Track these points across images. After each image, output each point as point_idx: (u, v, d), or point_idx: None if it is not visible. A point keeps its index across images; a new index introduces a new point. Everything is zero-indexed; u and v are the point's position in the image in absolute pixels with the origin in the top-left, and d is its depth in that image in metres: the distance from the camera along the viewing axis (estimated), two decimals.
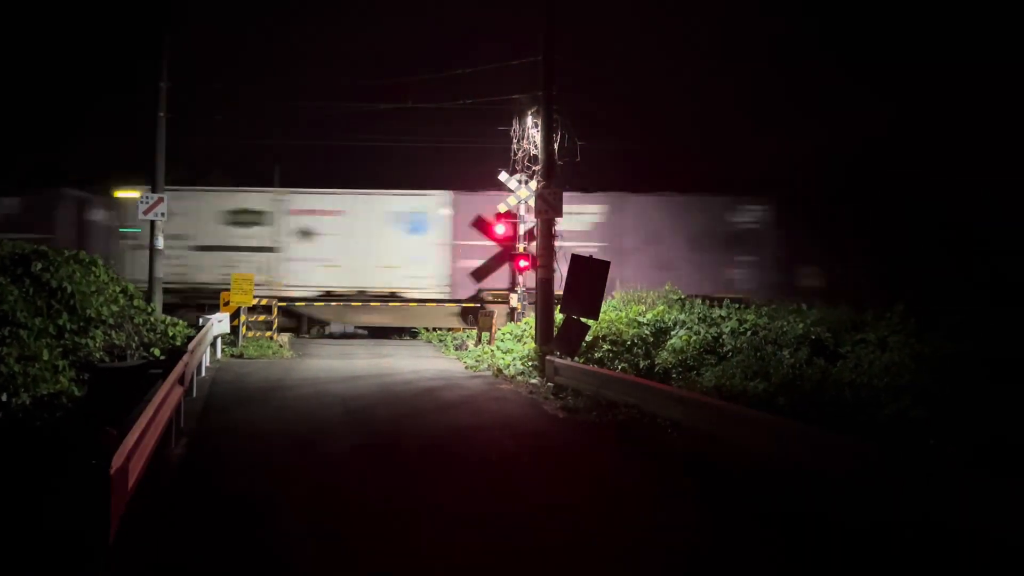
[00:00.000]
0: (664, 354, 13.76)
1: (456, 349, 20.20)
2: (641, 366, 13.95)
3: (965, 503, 5.39)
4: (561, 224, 17.58)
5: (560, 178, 17.01)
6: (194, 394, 12.51)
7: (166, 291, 19.78)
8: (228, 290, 19.57)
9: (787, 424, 7.61)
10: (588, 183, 21.66)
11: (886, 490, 6.08)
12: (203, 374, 14.73)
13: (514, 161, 20.84)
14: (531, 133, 20.26)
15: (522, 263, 20.62)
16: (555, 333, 15.25)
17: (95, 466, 4.86)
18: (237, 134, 27.22)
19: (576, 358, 14.11)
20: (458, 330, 22.52)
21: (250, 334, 20.13)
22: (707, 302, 16.29)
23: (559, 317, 15.31)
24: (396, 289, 22.49)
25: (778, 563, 5.95)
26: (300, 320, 22.95)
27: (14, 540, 5.70)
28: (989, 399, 8.45)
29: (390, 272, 22.42)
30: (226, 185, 24.53)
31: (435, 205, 22.70)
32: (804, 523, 6.65)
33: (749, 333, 13.58)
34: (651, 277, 19.58)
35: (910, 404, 8.92)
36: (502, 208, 21.71)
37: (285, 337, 20.99)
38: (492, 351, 17.95)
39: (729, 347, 13.19)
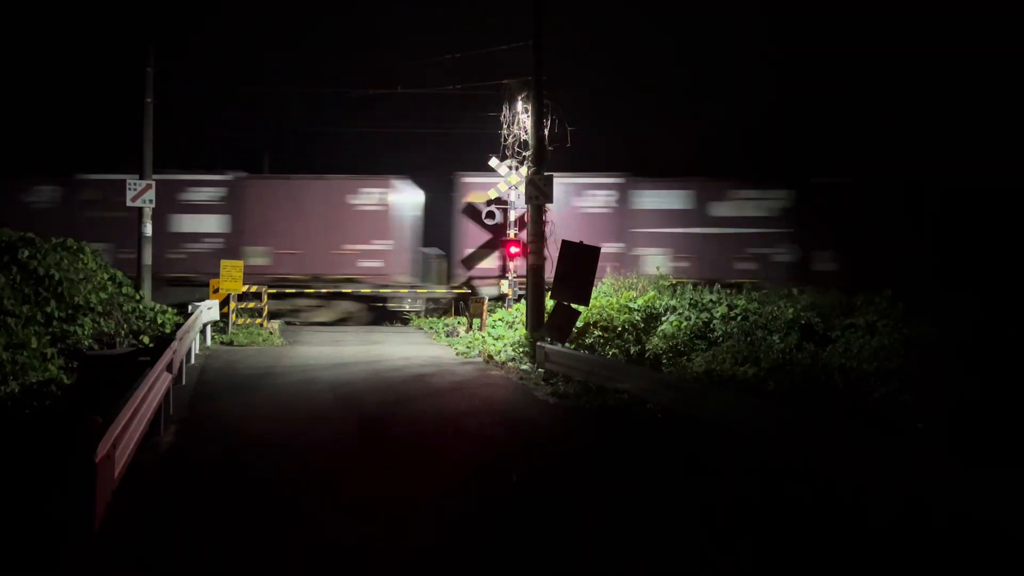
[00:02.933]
0: (655, 340, 13.78)
1: (447, 336, 20.18)
2: (632, 352, 13.97)
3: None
4: None
5: (551, 164, 16.97)
6: (183, 381, 12.46)
7: None
8: None
9: (776, 409, 7.63)
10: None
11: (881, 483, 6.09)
12: (192, 361, 14.68)
13: (504, 147, 20.76)
14: (521, 119, 20.17)
15: (512, 249, 20.60)
16: (546, 319, 15.25)
17: (80, 454, 4.84)
18: (226, 121, 27.08)
19: (567, 344, 14.12)
20: (449, 316, 22.54)
21: (240, 321, 20.06)
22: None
23: (550, 303, 15.31)
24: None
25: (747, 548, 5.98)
26: None
27: (0, 528, 5.67)
28: (970, 383, 8.50)
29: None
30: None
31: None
32: (790, 512, 6.67)
33: (739, 318, 13.62)
34: None
35: (898, 388, 8.96)
36: (492, 194, 21.67)
37: (275, 324, 20.93)
38: (483, 337, 17.95)
39: (719, 332, 13.22)
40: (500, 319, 19.24)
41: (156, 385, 8.39)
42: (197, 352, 15.75)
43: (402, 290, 22.92)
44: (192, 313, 16.07)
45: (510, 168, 21.02)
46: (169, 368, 9.86)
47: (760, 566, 5.68)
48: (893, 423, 8.06)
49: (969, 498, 5.24)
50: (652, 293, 16.20)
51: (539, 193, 16.05)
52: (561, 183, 19.42)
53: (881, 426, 7.74)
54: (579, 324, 14.75)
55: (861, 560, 5.69)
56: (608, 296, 16.61)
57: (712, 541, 6.08)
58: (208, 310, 17.70)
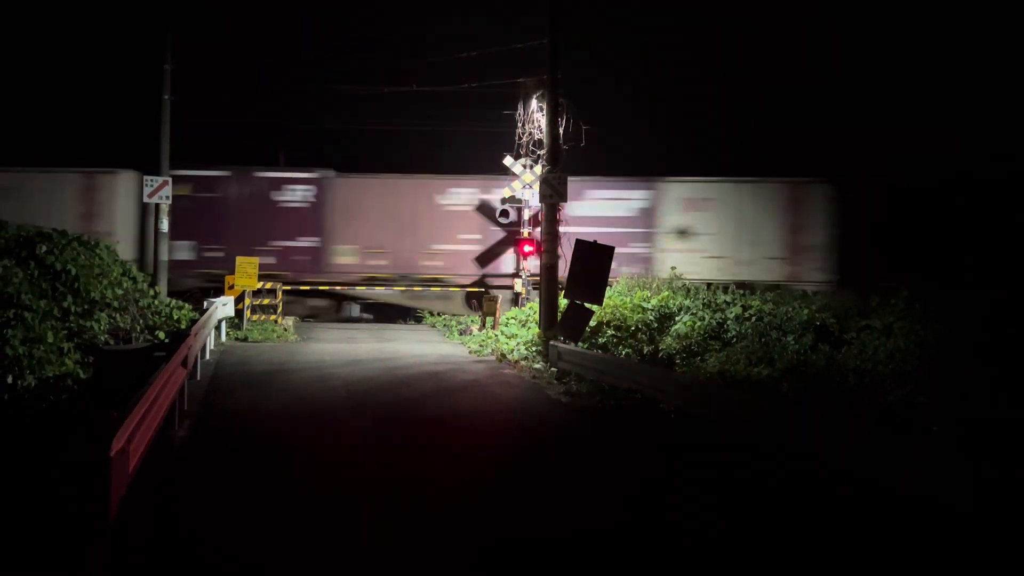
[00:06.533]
0: (668, 340, 13.74)
1: (460, 334, 20.20)
2: (645, 352, 13.93)
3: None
4: None
5: (565, 162, 16.94)
6: (198, 377, 12.54)
7: None
8: None
9: (792, 410, 7.57)
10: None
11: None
12: (207, 357, 14.77)
13: (519, 145, 20.75)
14: (536, 117, 20.14)
15: (526, 248, 20.57)
16: (559, 318, 15.23)
17: (95, 447, 4.87)
18: (240, 118, 27.15)
19: (580, 343, 14.10)
20: (462, 315, 22.54)
21: (255, 317, 20.15)
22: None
23: (563, 302, 15.29)
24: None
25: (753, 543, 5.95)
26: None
27: (16, 521, 5.72)
28: (987, 384, 8.43)
29: None
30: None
31: None
32: (805, 514, 6.64)
33: (754, 319, 13.55)
34: None
35: (914, 390, 8.89)
36: (507, 193, 21.64)
37: (290, 321, 21.01)
38: (496, 336, 17.95)
39: (733, 333, 13.16)
40: (513, 318, 19.24)
41: (171, 380, 8.44)
42: (212, 348, 15.84)
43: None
44: (207, 309, 16.16)
45: (524, 167, 21.00)
46: (184, 363, 9.92)
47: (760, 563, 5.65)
48: (908, 425, 8.00)
49: None
50: (666, 293, 16.15)
51: (553, 192, 16.02)
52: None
53: (896, 428, 7.67)
54: (592, 323, 14.72)
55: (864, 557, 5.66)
56: (622, 295, 16.58)
57: (712, 539, 6.06)
58: (223, 306, 17.80)
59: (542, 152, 18.05)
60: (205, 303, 17.21)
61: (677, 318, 14.54)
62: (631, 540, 6.12)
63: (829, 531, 6.10)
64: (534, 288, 19.91)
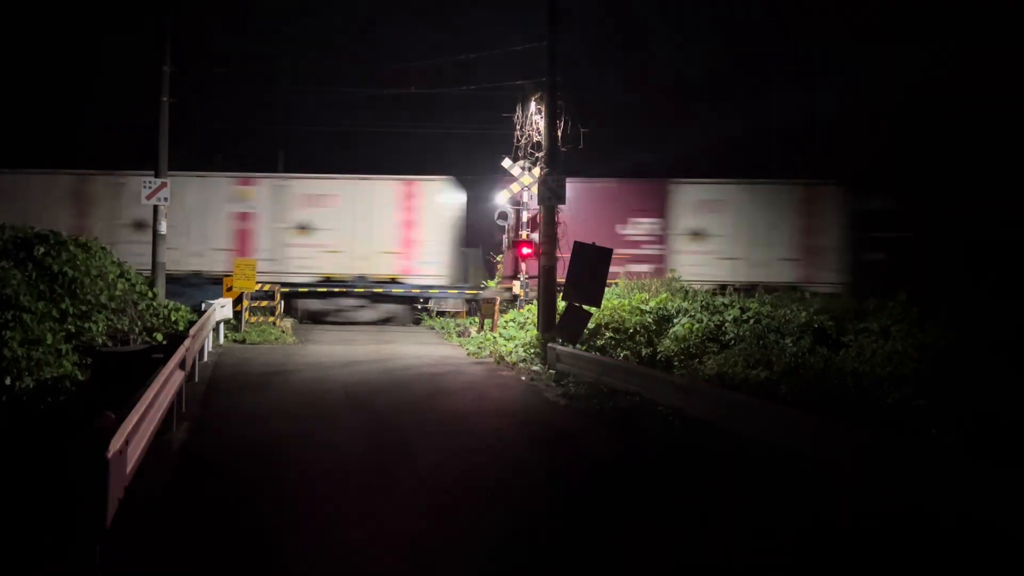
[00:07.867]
0: (666, 342, 13.74)
1: (458, 336, 20.20)
2: (643, 354, 13.93)
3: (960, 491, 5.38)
4: None
5: (563, 165, 16.95)
6: (196, 379, 12.53)
7: None
8: None
9: (789, 413, 7.58)
10: None
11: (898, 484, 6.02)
12: (205, 359, 14.75)
13: (517, 147, 20.75)
14: (535, 119, 20.15)
15: (525, 250, 20.55)
16: (557, 320, 15.23)
17: (92, 450, 4.85)
18: (241, 119, 27.19)
19: (578, 345, 14.09)
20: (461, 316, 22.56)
21: (252, 319, 20.14)
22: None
23: (562, 304, 15.29)
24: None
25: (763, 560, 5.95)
26: None
27: (11, 524, 5.71)
28: (987, 387, 8.43)
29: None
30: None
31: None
32: (803, 518, 6.64)
33: (752, 321, 13.56)
34: None
35: (912, 393, 8.90)
36: (506, 195, 21.65)
37: (288, 323, 21.00)
38: (494, 338, 17.95)
39: (731, 335, 13.16)
40: (511, 320, 19.24)
41: (169, 382, 8.43)
42: (210, 350, 15.83)
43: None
44: (205, 311, 16.15)
45: (523, 169, 21.01)
46: (182, 365, 9.91)
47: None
48: (906, 427, 8.00)
49: None
50: (664, 295, 16.16)
51: (552, 194, 16.03)
52: None
53: (895, 430, 7.67)
54: (591, 325, 14.72)
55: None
56: (620, 297, 16.58)
57: (702, 539, 6.06)
58: (221, 308, 17.79)
59: (540, 155, 18.06)
60: (203, 305, 17.18)
61: (675, 320, 14.53)
62: (629, 547, 6.12)
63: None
64: (533, 290, 19.91)
